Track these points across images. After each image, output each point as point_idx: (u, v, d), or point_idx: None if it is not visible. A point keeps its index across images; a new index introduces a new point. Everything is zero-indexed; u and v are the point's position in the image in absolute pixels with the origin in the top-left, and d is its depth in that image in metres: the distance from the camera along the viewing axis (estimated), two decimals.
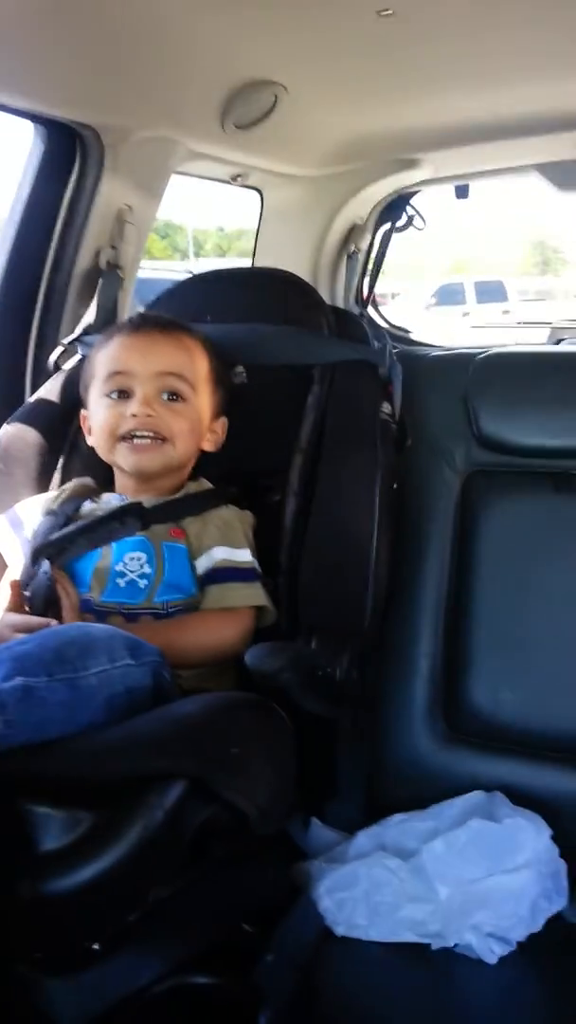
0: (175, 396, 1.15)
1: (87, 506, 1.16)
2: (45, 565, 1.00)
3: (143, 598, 1.08)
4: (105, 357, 1.18)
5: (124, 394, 1.15)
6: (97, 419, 1.17)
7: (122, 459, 1.15)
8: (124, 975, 0.78)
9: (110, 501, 1.16)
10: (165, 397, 1.14)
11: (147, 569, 1.09)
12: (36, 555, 1.06)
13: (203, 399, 1.17)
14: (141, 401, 1.13)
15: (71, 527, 1.09)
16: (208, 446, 1.21)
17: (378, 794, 1.25)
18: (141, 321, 1.22)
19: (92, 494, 1.19)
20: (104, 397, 1.16)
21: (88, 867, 0.70)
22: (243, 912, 0.94)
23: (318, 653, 1.03)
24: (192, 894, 0.84)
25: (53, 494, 1.22)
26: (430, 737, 1.26)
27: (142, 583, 1.08)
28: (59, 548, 1.06)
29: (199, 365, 1.18)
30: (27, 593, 1.03)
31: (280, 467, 1.22)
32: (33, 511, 1.19)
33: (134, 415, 1.13)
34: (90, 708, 0.84)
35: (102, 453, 1.18)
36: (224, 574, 1.10)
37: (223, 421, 1.22)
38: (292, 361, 1.26)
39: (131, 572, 1.09)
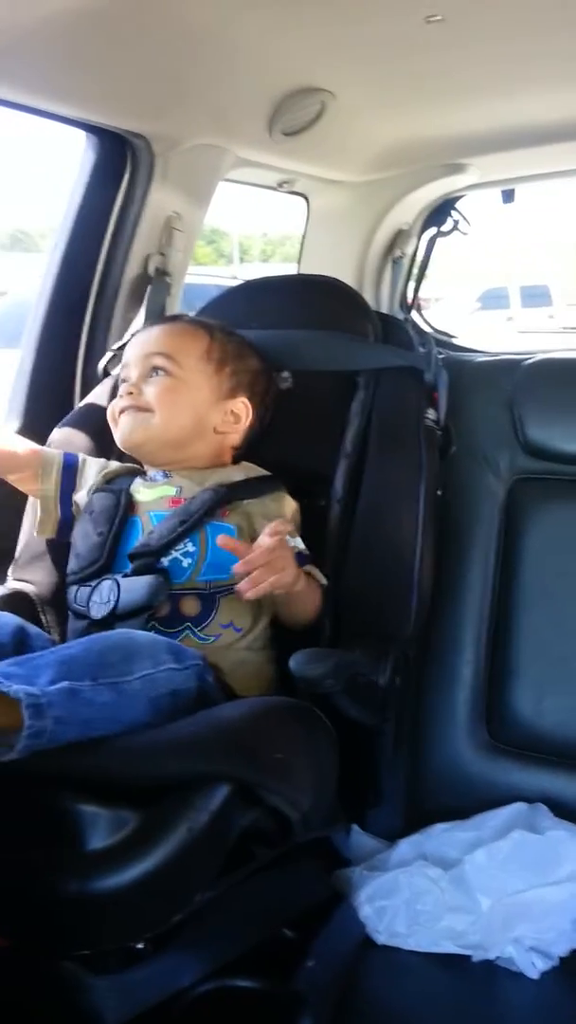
0: (158, 371, 1.17)
1: (137, 483, 1.17)
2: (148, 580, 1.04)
3: (186, 577, 1.07)
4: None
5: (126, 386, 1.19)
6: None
7: (115, 438, 1.18)
8: (167, 975, 0.79)
9: (155, 478, 1.17)
10: (153, 376, 1.17)
11: (190, 548, 1.09)
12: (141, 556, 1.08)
13: (194, 375, 1.17)
14: (130, 383, 1.17)
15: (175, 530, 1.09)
16: (226, 428, 1.19)
17: (418, 802, 1.24)
18: (153, 321, 1.26)
19: (138, 473, 1.19)
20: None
21: (135, 867, 0.71)
22: (284, 917, 0.94)
23: (361, 659, 1.03)
24: (235, 898, 0.84)
25: (101, 467, 1.21)
26: (472, 746, 1.25)
27: (185, 562, 1.08)
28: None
29: (190, 343, 1.19)
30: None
31: (325, 472, 1.22)
32: (89, 477, 1.20)
33: (121, 396, 1.17)
34: (135, 709, 0.85)
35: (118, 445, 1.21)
36: (300, 559, 1.08)
37: (241, 402, 1.20)
38: (337, 367, 1.26)
39: (175, 551, 1.08)
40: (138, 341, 1.21)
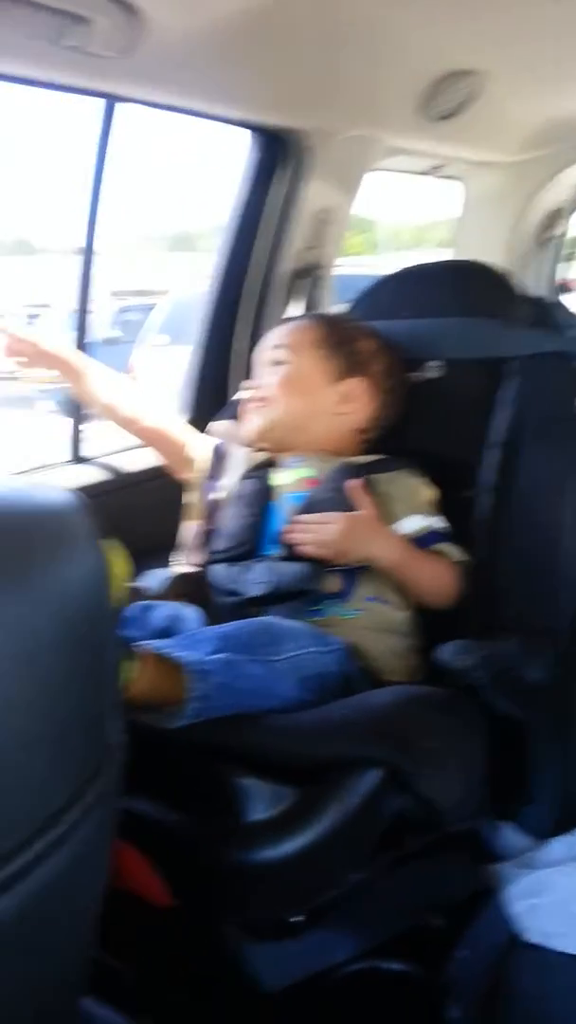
0: (277, 363, 1.22)
1: (275, 470, 1.21)
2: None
3: None
4: None
5: None
6: None
7: (243, 436, 1.24)
8: (322, 950, 0.82)
9: (290, 463, 1.20)
10: (273, 368, 1.22)
11: None
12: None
13: (307, 360, 1.21)
14: (255, 377, 1.23)
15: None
16: (343, 408, 1.20)
17: (572, 802, 1.20)
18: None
19: (270, 465, 1.23)
20: None
21: (292, 840, 0.73)
22: (432, 905, 0.94)
23: (512, 653, 1.01)
24: (386, 882, 0.85)
25: (247, 457, 1.26)
26: None
27: None
28: None
29: (304, 334, 1.23)
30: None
31: (473, 462, 1.20)
32: (235, 466, 1.25)
33: (246, 390, 1.24)
34: (285, 684, 0.90)
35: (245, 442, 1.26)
36: (432, 537, 1.12)
37: (356, 381, 1.21)
38: (486, 354, 1.24)
39: None
40: (264, 341, 1.28)
